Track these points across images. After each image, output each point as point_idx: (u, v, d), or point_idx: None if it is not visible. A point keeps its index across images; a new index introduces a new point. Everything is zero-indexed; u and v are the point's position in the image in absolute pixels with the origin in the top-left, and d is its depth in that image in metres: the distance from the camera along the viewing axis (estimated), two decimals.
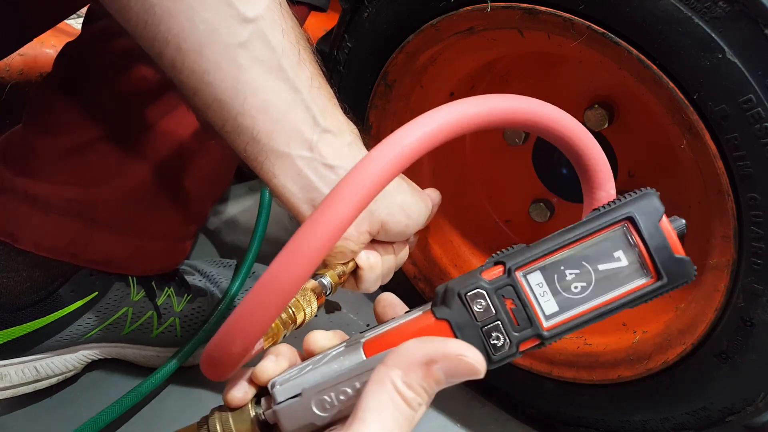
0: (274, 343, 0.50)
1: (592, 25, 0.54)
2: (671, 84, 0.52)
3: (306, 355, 0.40)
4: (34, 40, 0.65)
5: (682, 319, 0.61)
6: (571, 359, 0.69)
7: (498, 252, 0.35)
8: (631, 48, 0.53)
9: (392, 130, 0.55)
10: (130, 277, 0.73)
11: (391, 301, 0.42)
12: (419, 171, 0.76)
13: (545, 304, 0.34)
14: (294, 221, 0.53)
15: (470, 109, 0.35)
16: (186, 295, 0.77)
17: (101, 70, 0.68)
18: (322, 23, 0.98)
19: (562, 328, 0.35)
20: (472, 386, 0.78)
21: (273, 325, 0.49)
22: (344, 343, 0.38)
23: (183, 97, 0.50)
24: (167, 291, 0.76)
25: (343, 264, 0.54)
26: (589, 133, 0.39)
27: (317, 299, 0.51)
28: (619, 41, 0.53)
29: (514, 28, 0.61)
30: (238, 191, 1.21)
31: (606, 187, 0.40)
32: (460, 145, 0.80)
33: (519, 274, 0.34)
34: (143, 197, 0.70)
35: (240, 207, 1.16)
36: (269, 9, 0.47)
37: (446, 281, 0.36)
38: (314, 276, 0.53)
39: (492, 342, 0.34)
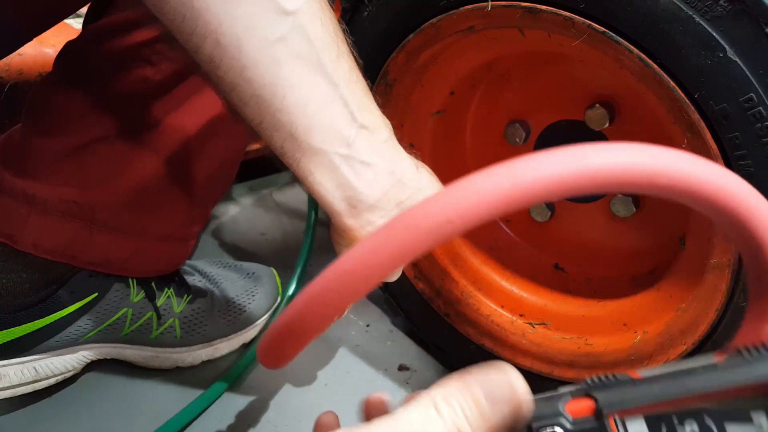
0: None
1: (593, 24, 0.54)
2: (672, 83, 0.52)
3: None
4: (34, 39, 0.64)
5: (684, 319, 0.61)
6: (572, 359, 0.69)
7: (590, 379, 0.28)
8: (632, 47, 0.52)
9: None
10: (129, 278, 0.73)
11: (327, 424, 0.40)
12: None
13: None
14: (327, 217, 0.53)
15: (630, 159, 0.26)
16: (186, 295, 0.77)
17: (101, 71, 0.68)
18: None
19: None
20: None
21: None
22: None
23: (220, 93, 0.49)
24: (167, 292, 0.76)
25: None
26: None
27: None
28: (620, 40, 0.53)
29: (515, 27, 0.61)
30: (239, 191, 1.21)
31: None
32: (460, 144, 0.80)
33: (614, 420, 0.25)
34: (144, 198, 0.70)
35: (240, 207, 1.16)
36: (308, 0, 0.46)
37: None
38: None
39: None
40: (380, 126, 0.52)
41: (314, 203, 0.87)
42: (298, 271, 0.86)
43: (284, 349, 0.34)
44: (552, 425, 0.26)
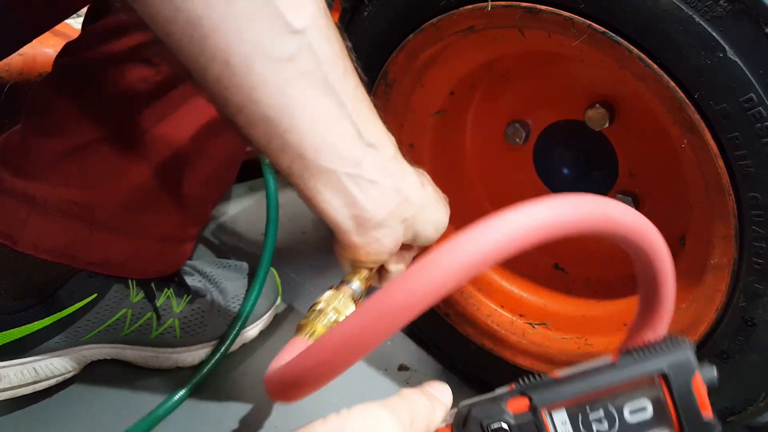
0: None
1: (593, 24, 0.54)
2: (672, 83, 0.52)
3: None
4: (34, 40, 0.64)
5: (683, 319, 0.61)
6: (573, 360, 0.69)
7: (524, 380, 0.35)
8: (632, 47, 0.52)
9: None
10: (129, 279, 0.73)
11: None
12: None
13: None
14: (318, 223, 0.53)
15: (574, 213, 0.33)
16: (185, 296, 0.77)
17: (101, 71, 0.68)
18: None
19: None
20: (469, 385, 0.78)
21: (321, 328, 0.50)
22: None
23: (225, 114, 0.47)
24: (167, 292, 0.76)
25: (369, 269, 0.56)
26: (674, 275, 0.38)
27: (354, 304, 0.52)
28: (620, 40, 0.53)
29: (515, 27, 0.60)
30: (238, 191, 1.21)
31: (657, 330, 0.38)
32: (460, 144, 0.80)
33: (544, 412, 0.34)
34: (143, 199, 0.70)
35: (240, 207, 1.16)
36: (316, 18, 0.45)
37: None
38: (345, 282, 0.54)
39: None
40: (386, 143, 0.52)
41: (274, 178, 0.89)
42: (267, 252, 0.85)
43: (301, 390, 0.36)
44: (498, 421, 0.33)
